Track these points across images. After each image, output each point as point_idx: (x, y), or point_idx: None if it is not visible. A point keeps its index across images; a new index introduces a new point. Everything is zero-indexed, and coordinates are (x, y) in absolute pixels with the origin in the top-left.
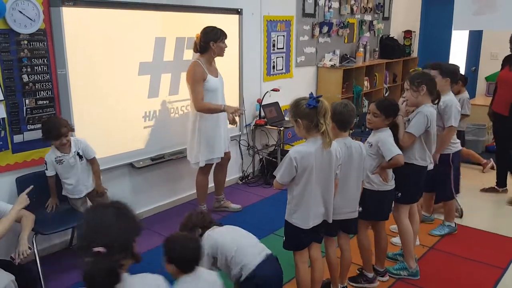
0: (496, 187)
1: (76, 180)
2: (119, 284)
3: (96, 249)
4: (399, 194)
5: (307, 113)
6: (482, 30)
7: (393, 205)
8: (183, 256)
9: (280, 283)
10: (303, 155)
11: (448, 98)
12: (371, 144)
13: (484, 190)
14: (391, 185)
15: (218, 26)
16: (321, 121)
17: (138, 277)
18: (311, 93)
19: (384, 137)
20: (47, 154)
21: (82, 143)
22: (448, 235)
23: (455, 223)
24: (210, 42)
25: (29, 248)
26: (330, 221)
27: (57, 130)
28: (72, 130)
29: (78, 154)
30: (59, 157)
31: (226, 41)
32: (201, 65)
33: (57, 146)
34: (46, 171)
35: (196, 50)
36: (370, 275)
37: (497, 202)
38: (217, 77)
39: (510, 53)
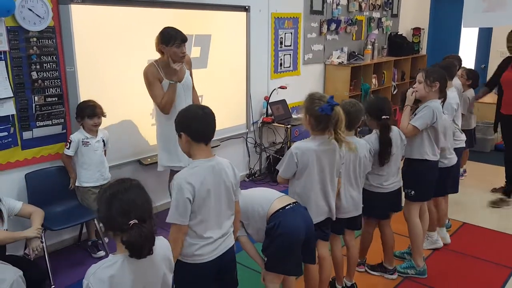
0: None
1: (95, 166)
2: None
3: (132, 222)
4: (412, 192)
5: (318, 115)
6: (491, 28)
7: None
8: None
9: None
10: (303, 151)
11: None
12: None
13: (495, 190)
14: (386, 187)
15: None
16: (331, 130)
17: (157, 239)
18: (331, 97)
19: (367, 140)
20: (74, 134)
21: (106, 132)
22: (456, 234)
23: (448, 219)
24: (161, 45)
25: (41, 241)
26: (334, 219)
27: (92, 108)
28: (104, 115)
29: (103, 140)
30: (87, 138)
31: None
32: (155, 67)
33: (88, 126)
34: (66, 149)
35: (156, 51)
36: (391, 267)
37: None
38: (180, 81)
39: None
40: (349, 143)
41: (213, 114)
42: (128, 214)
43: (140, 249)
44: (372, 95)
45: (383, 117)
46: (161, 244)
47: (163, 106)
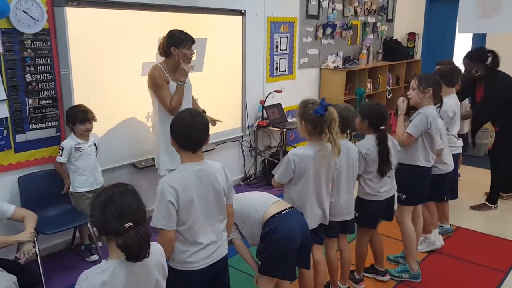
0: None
1: (90, 170)
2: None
3: (126, 225)
4: (403, 196)
5: (313, 119)
6: (486, 33)
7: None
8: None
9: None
10: (301, 158)
11: (443, 102)
12: None
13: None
14: (380, 195)
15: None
16: (326, 130)
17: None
18: (323, 99)
19: (359, 146)
20: (65, 141)
21: (97, 136)
22: (450, 238)
23: (450, 225)
24: (171, 47)
25: (33, 246)
26: (327, 223)
27: (84, 113)
28: (95, 120)
29: (95, 144)
30: (79, 143)
31: (193, 47)
32: (162, 69)
33: (80, 132)
34: (59, 157)
35: (160, 53)
36: (357, 276)
37: (500, 206)
38: (184, 82)
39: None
40: (339, 146)
41: (204, 122)
42: (123, 217)
43: (137, 251)
44: (368, 100)
45: (381, 127)
46: (155, 250)
47: (173, 107)
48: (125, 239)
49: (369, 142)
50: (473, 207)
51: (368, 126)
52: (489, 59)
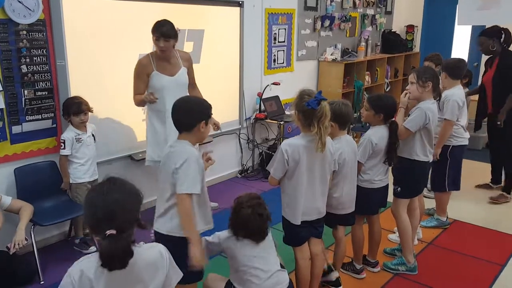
0: (490, 184)
1: (90, 162)
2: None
3: (109, 232)
4: (398, 188)
5: (304, 110)
6: (485, 25)
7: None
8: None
9: None
10: (293, 148)
11: (450, 92)
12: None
13: (479, 186)
14: (378, 182)
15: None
16: (315, 124)
17: (144, 248)
18: (320, 92)
19: (366, 136)
20: (65, 133)
21: (93, 126)
22: (446, 231)
23: (447, 217)
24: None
25: (26, 239)
26: (322, 216)
27: (77, 105)
28: (91, 111)
29: (92, 135)
30: (78, 134)
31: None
32: (149, 58)
33: (76, 123)
34: (63, 150)
35: None
36: (358, 266)
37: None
38: (172, 75)
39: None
40: (324, 142)
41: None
42: (105, 221)
43: (109, 262)
44: (366, 93)
45: (393, 119)
46: (148, 252)
47: (134, 100)
48: (101, 246)
49: (381, 133)
50: (492, 199)
51: (382, 119)
52: (503, 36)
